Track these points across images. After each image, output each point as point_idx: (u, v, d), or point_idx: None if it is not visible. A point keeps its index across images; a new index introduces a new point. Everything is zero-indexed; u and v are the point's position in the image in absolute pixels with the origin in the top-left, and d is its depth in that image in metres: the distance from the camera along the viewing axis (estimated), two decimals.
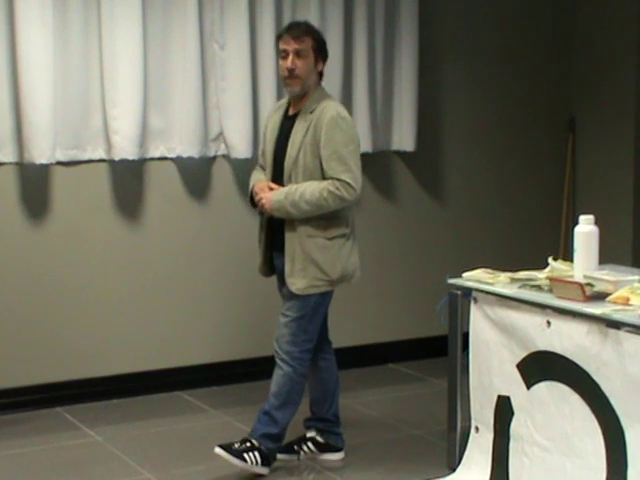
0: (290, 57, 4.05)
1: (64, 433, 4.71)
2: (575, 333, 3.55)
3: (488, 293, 3.92)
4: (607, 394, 3.43)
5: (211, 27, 5.16)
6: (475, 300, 3.99)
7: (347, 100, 5.50)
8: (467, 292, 4.02)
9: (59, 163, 4.95)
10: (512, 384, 3.83)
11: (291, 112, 4.16)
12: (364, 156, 5.56)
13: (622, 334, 3.37)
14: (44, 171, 4.95)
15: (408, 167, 5.86)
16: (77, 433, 4.71)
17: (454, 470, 4.09)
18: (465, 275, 4.09)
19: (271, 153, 4.17)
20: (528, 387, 3.76)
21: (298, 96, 4.12)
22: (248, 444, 4.13)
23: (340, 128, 4.02)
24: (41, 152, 4.80)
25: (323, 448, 4.35)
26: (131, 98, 4.95)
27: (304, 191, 3.99)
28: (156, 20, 5.06)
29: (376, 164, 5.73)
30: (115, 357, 5.18)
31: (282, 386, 4.14)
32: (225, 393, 5.22)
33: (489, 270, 4.09)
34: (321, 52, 4.12)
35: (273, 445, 4.16)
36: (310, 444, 4.35)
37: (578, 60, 6.21)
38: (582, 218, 3.82)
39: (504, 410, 3.88)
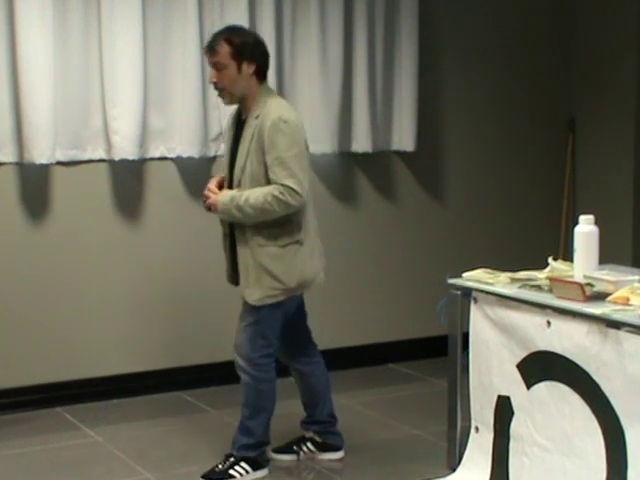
0: (212, 71, 3.99)
1: (64, 433, 4.71)
2: (575, 333, 3.55)
3: (488, 293, 3.92)
4: (607, 394, 3.43)
5: (211, 27, 5.15)
6: (475, 300, 3.99)
7: (347, 100, 5.51)
8: (467, 292, 4.02)
9: (59, 163, 4.95)
10: (512, 384, 3.83)
11: (243, 116, 4.06)
12: (364, 156, 5.62)
13: (622, 334, 3.37)
14: (44, 171, 4.95)
15: (408, 167, 5.86)
16: (77, 433, 4.71)
17: (454, 470, 4.09)
18: (465, 275, 4.09)
19: (226, 160, 4.10)
20: (528, 387, 3.76)
21: (244, 102, 4.01)
22: (232, 459, 4.11)
23: (282, 132, 3.89)
24: (41, 152, 4.80)
25: (322, 448, 4.35)
26: (131, 98, 4.95)
27: (249, 195, 3.90)
28: (156, 20, 5.07)
29: (376, 164, 5.73)
30: (115, 357, 5.18)
31: (248, 396, 4.10)
32: (225, 393, 5.22)
33: (489, 270, 4.09)
34: (242, 55, 3.93)
35: (254, 453, 4.13)
36: (309, 444, 4.35)
37: (578, 60, 6.21)
38: (582, 218, 3.82)
39: (504, 410, 3.88)
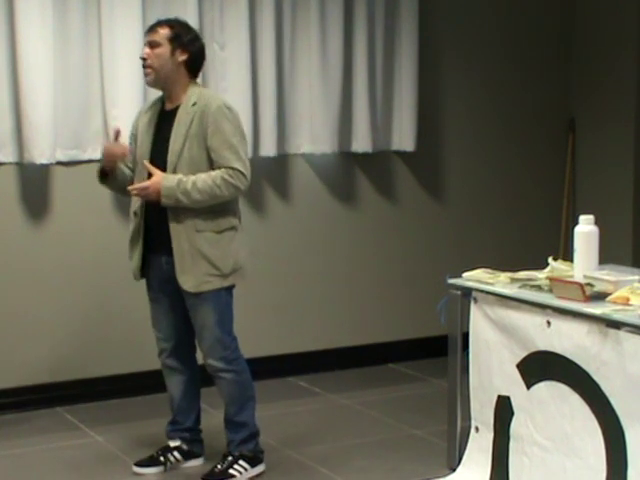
0: (144, 48, 4.01)
1: (64, 433, 4.71)
2: (575, 333, 3.55)
3: (488, 293, 3.92)
4: (607, 394, 3.43)
5: (211, 27, 5.16)
6: (475, 300, 3.99)
7: (347, 100, 5.51)
8: (467, 292, 4.02)
9: (59, 163, 4.96)
10: (512, 384, 3.83)
11: (168, 107, 4.03)
12: (364, 156, 5.62)
13: (622, 334, 3.37)
14: (44, 171, 4.95)
15: (408, 167, 5.86)
16: (77, 433, 4.71)
17: (454, 470, 4.09)
18: (465, 275, 4.09)
19: (147, 151, 4.02)
20: (528, 387, 3.76)
21: (170, 90, 4.00)
22: (230, 458, 4.10)
23: (227, 118, 3.92)
24: (41, 152, 4.80)
25: (187, 456, 4.26)
26: (131, 98, 4.95)
27: (196, 179, 3.85)
28: (156, 20, 5.06)
29: (376, 164, 5.73)
30: (115, 357, 5.17)
31: (232, 393, 4.09)
32: None
33: (489, 270, 4.09)
34: (179, 42, 3.97)
35: (251, 446, 4.13)
36: (176, 453, 4.25)
37: (578, 60, 6.21)
38: (582, 218, 3.82)
39: (504, 410, 3.88)
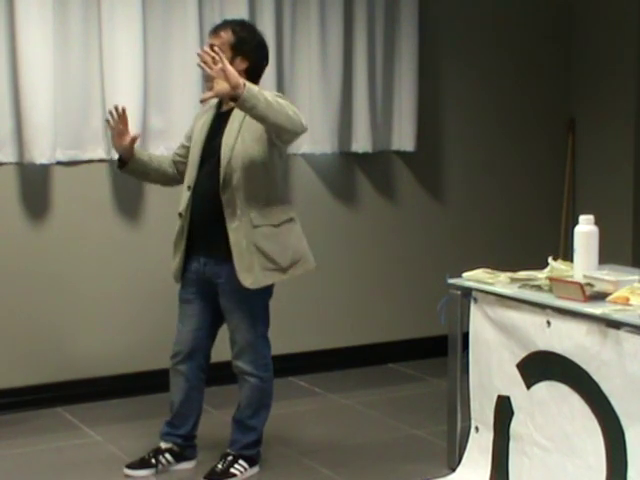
0: None
1: (64, 433, 4.71)
2: (575, 333, 3.55)
3: (488, 293, 3.92)
4: (607, 394, 3.43)
5: (211, 27, 5.16)
6: (475, 300, 3.99)
7: (347, 100, 5.51)
8: (467, 292, 4.02)
9: (59, 163, 4.96)
10: (512, 384, 3.83)
11: (223, 109, 4.02)
12: (364, 156, 5.62)
13: (622, 334, 3.37)
14: (44, 171, 4.95)
15: (408, 167, 5.86)
16: (77, 433, 4.71)
17: (454, 470, 4.09)
18: (465, 275, 4.09)
19: (199, 151, 3.99)
20: (528, 387, 3.77)
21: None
22: (230, 458, 4.11)
23: (280, 98, 3.83)
24: (41, 152, 4.81)
25: (179, 458, 4.23)
26: (131, 98, 4.95)
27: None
28: (156, 20, 5.07)
29: (376, 164, 5.74)
30: (115, 357, 5.18)
31: (252, 397, 4.09)
32: (225, 393, 5.22)
33: (489, 270, 4.09)
34: (241, 50, 3.92)
35: (254, 451, 4.15)
36: (168, 455, 4.21)
37: (578, 60, 6.22)
38: (582, 218, 3.82)
39: (504, 410, 3.88)
